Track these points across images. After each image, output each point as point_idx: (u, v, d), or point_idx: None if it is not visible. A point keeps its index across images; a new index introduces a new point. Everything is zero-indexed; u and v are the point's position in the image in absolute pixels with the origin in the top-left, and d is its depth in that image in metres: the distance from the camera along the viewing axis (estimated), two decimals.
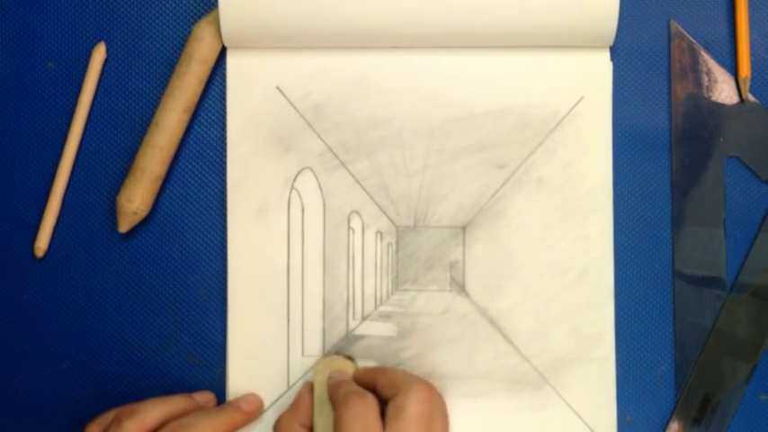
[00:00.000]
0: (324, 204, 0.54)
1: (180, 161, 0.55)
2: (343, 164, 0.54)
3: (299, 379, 0.54)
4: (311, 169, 0.54)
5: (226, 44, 0.54)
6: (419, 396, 0.48)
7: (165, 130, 0.53)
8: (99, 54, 0.55)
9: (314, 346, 0.54)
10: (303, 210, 0.54)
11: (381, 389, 0.49)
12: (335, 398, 0.49)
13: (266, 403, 0.54)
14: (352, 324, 0.54)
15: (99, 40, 0.55)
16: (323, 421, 0.50)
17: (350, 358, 0.53)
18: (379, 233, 0.55)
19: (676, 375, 0.54)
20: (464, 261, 0.54)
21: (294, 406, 0.52)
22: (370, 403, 0.48)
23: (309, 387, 0.52)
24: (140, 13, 0.55)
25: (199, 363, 0.55)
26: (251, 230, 0.54)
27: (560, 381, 0.54)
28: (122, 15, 0.55)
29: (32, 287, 0.55)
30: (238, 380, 0.54)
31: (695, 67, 0.54)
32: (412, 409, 0.47)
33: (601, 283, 0.54)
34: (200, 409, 0.52)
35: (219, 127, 0.55)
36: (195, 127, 0.55)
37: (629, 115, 0.54)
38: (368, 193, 0.54)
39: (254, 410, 0.53)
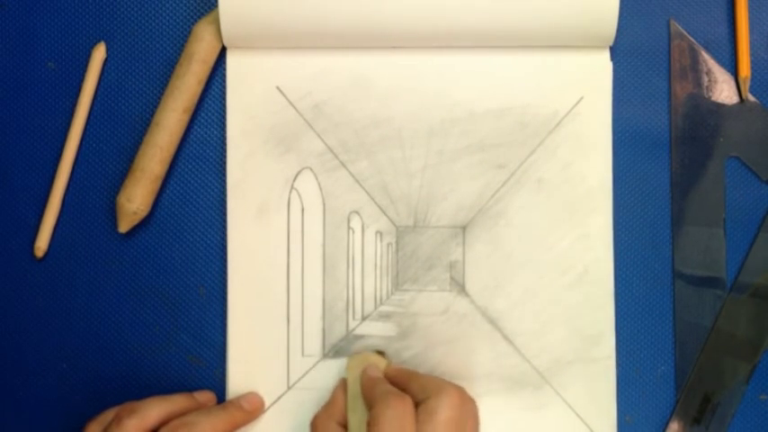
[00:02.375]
0: (324, 204, 0.54)
1: (180, 161, 0.55)
2: (343, 164, 0.54)
3: (299, 379, 0.54)
4: (311, 169, 0.54)
5: (226, 44, 0.54)
6: (450, 401, 0.47)
7: (165, 130, 0.53)
8: (99, 54, 0.55)
9: (314, 346, 0.54)
10: (303, 210, 0.54)
11: (413, 392, 0.49)
12: (372, 395, 0.49)
13: (266, 403, 0.54)
14: (352, 324, 0.54)
15: (99, 40, 0.55)
16: (356, 417, 0.50)
17: (381, 353, 0.53)
18: (379, 233, 0.55)
19: (676, 375, 0.54)
20: (464, 261, 0.54)
21: (329, 404, 0.51)
22: (408, 405, 0.47)
23: (343, 384, 0.52)
24: (140, 13, 0.55)
25: (199, 363, 0.55)
26: (251, 230, 0.54)
27: (560, 381, 0.54)
28: (122, 15, 0.55)
29: (32, 287, 0.55)
30: (238, 380, 0.54)
31: (695, 67, 0.54)
32: (443, 413, 0.47)
33: (601, 283, 0.54)
34: (200, 407, 0.52)
35: (219, 127, 0.55)
36: (195, 127, 0.55)
37: (629, 115, 0.54)
38: (368, 193, 0.54)
39: (256, 409, 0.53)
